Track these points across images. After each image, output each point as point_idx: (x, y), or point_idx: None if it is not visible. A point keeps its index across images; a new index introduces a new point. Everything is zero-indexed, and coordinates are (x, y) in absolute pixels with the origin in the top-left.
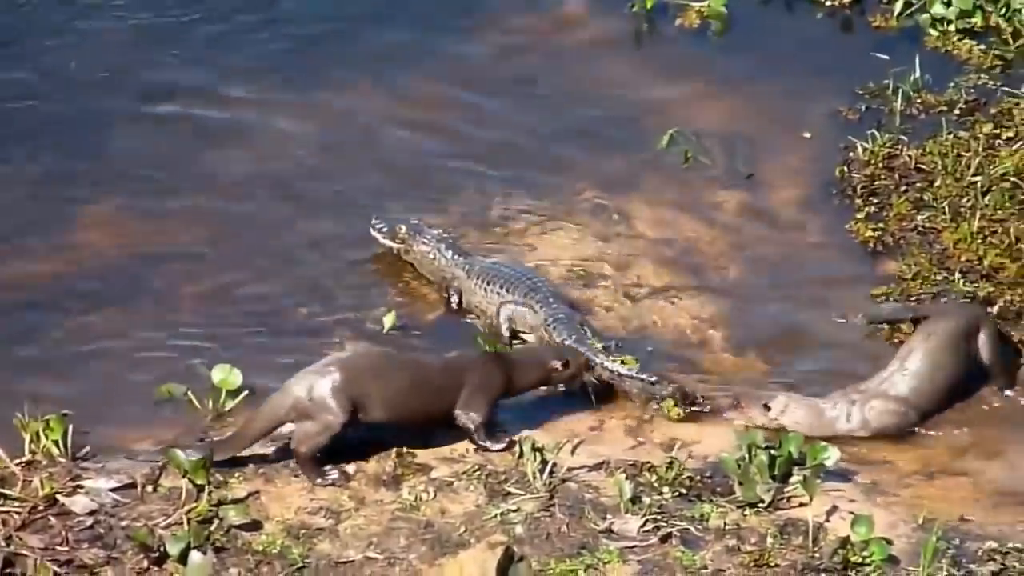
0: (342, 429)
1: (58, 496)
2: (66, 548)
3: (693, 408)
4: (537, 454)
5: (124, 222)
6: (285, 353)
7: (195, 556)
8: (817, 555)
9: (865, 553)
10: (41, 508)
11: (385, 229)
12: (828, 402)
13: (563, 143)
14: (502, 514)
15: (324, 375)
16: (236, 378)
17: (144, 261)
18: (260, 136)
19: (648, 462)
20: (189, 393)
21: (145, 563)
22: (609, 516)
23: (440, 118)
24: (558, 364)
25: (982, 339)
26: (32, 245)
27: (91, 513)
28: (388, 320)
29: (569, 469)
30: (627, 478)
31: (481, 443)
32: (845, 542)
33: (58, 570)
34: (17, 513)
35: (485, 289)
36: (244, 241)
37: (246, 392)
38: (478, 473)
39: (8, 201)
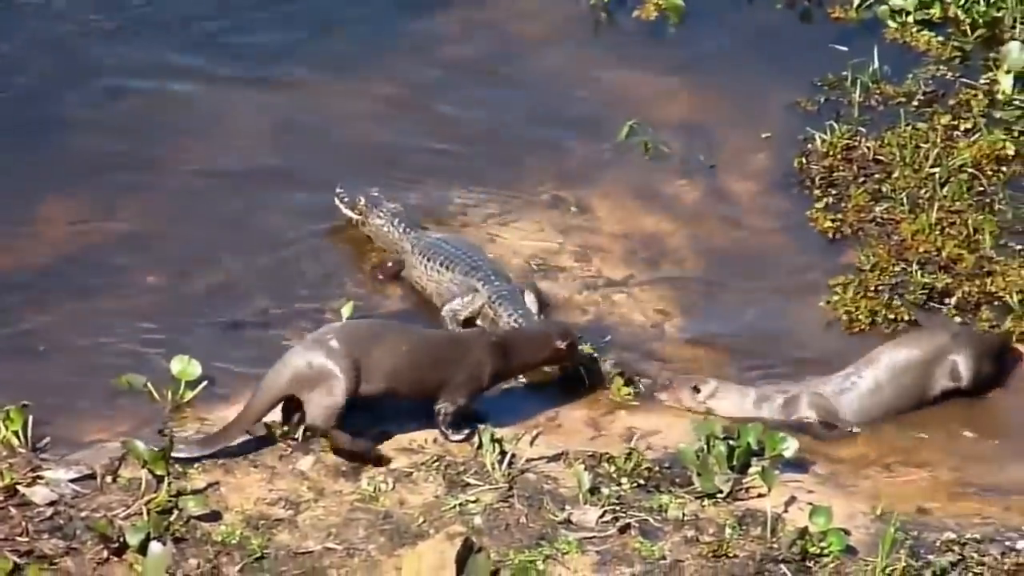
0: (351, 394)
1: (18, 487)
2: (26, 539)
3: (631, 386)
4: (496, 445)
5: (81, 212)
6: (244, 344)
7: (154, 547)
8: (775, 546)
9: (823, 544)
10: (1, 499)
11: (347, 199)
12: (759, 391)
13: (521, 134)
14: (461, 505)
15: (324, 341)
16: (195, 369)
17: (101, 251)
18: (218, 125)
19: (607, 453)
20: (148, 384)
21: (105, 553)
22: (568, 507)
23: (397, 109)
24: (563, 344)
25: (958, 366)
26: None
27: (51, 504)
28: (346, 310)
29: (528, 460)
30: (586, 469)
31: (444, 431)
32: (803, 533)
33: (18, 560)
34: None
35: (425, 265)
36: (202, 231)
37: (205, 383)
38: (437, 464)
39: None
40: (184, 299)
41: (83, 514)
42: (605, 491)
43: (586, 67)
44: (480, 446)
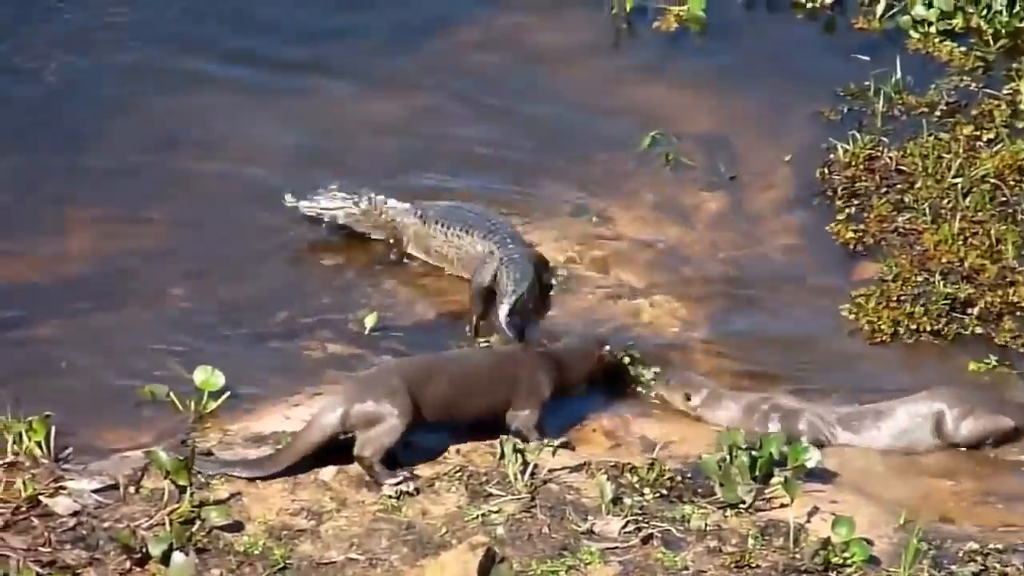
0: (407, 432)
1: (41, 497)
2: (49, 549)
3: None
4: (518, 455)
5: (105, 225)
6: (268, 354)
7: (177, 557)
8: (798, 556)
9: (846, 554)
10: (24, 509)
11: (314, 197)
12: (750, 401)
13: (544, 144)
14: (483, 515)
15: (383, 382)
16: (218, 379)
17: (125, 263)
18: (243, 135)
19: (629, 463)
20: (171, 394)
21: (127, 564)
22: (590, 517)
23: (419, 119)
24: (605, 351)
25: (966, 425)
26: (13, 247)
27: (74, 514)
28: (369, 321)
29: (550, 470)
30: (608, 479)
31: (529, 440)
32: (826, 543)
33: (41, 571)
34: (0, 514)
35: (446, 233)
36: (226, 241)
37: (228, 393)
38: (459, 474)
39: None
40: (208, 309)
41: (106, 524)
42: (627, 501)
43: (608, 78)
44: (502, 456)
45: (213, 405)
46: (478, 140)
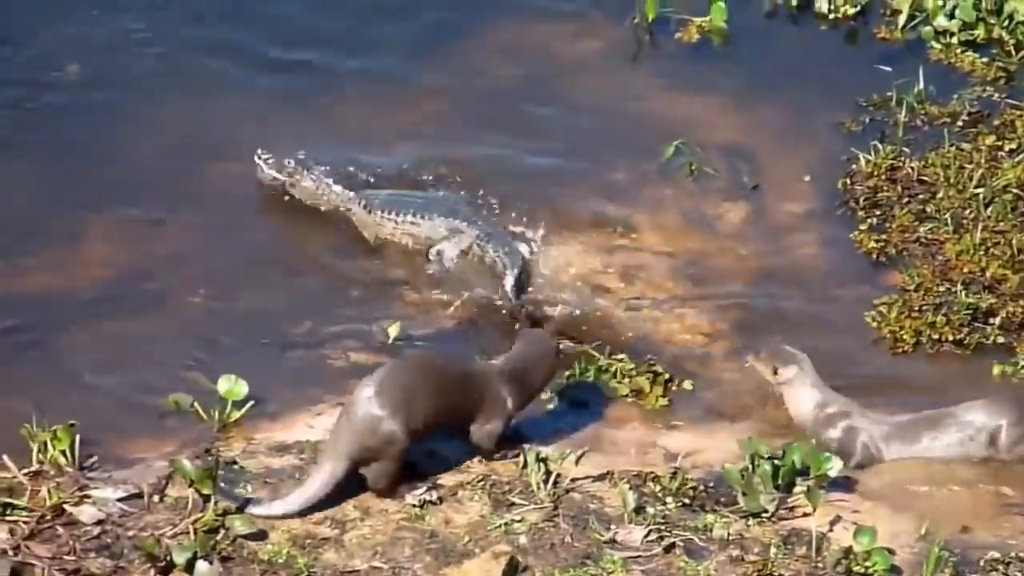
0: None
1: (65, 506)
2: (73, 557)
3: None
4: (541, 464)
5: (127, 232)
6: (291, 363)
7: (201, 565)
8: (820, 565)
9: (868, 563)
10: (48, 518)
11: (271, 161)
12: (825, 403)
13: (566, 154)
14: (506, 524)
15: (382, 408)
16: (242, 388)
17: (146, 272)
18: (262, 142)
19: (652, 472)
20: (195, 404)
21: (152, 572)
22: (613, 526)
23: (441, 128)
24: (562, 342)
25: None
26: (35, 256)
27: (98, 523)
28: (393, 330)
29: (573, 479)
30: (631, 488)
31: (484, 455)
32: (848, 552)
33: None
34: (25, 523)
35: (396, 220)
36: (248, 249)
37: (252, 403)
38: (482, 483)
39: (10, 212)
40: (230, 318)
41: (130, 533)
42: (650, 510)
43: (630, 88)
44: (525, 465)
45: (237, 414)
46: (499, 149)
